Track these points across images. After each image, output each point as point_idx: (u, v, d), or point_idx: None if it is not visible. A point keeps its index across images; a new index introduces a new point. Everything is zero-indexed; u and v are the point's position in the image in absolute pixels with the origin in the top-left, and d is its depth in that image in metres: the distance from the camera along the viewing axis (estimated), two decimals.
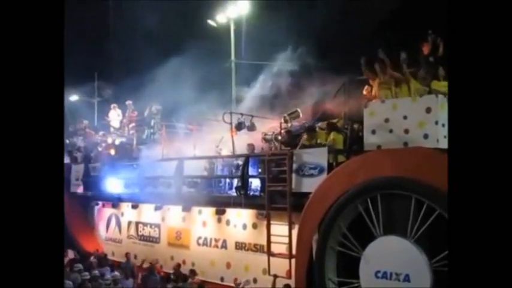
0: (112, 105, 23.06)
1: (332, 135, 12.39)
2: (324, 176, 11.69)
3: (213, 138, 18.78)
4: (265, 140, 15.67)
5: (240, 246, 15.10)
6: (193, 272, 15.03)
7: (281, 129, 14.95)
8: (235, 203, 14.59)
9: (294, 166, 12.35)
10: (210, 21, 25.61)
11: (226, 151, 17.26)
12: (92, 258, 18.16)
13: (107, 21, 34.80)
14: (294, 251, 12.04)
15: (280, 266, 12.52)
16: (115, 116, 22.52)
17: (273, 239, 12.73)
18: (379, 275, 10.09)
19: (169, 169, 16.74)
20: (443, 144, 9.81)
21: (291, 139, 13.90)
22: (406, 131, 10.73)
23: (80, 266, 15.94)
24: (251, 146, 15.99)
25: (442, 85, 10.49)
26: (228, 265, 15.35)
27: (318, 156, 12.02)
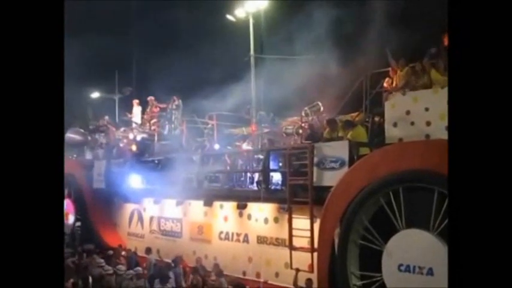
0: (134, 101, 23.16)
1: (350, 134, 12.31)
2: (345, 169, 11.64)
3: (234, 133, 18.85)
4: (286, 133, 15.67)
5: (261, 240, 15.11)
6: (217, 267, 15.10)
7: (302, 122, 14.94)
8: (257, 197, 14.62)
9: (315, 160, 12.32)
10: (229, 16, 25.59)
11: (246, 145, 17.30)
12: (117, 253, 18.38)
13: (128, 17, 35.05)
14: (316, 245, 12.03)
15: (303, 259, 12.52)
16: (138, 112, 22.63)
17: (294, 232, 12.74)
18: (402, 268, 10.03)
19: None
20: None
21: (313, 133, 13.88)
22: (428, 123, 10.66)
23: (102, 261, 16.10)
24: (272, 140, 16.01)
25: None
26: (250, 259, 15.37)
27: (339, 150, 11.97)
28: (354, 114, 13.41)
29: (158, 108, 21.51)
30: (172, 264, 15.44)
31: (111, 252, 18.20)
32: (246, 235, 15.70)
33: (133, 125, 22.17)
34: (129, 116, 22.73)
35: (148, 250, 18.12)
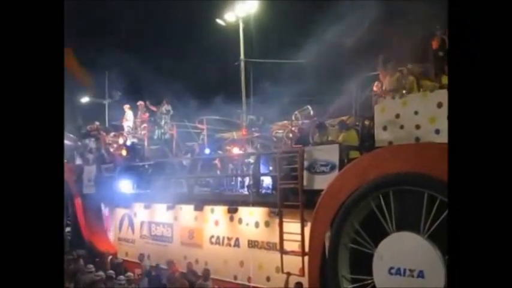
0: (125, 106, 23.08)
1: (342, 136, 12.37)
2: (336, 173, 11.67)
3: (224, 137, 18.85)
4: (276, 138, 15.70)
5: (252, 244, 15.09)
6: (207, 272, 15.08)
7: (292, 126, 14.97)
8: (247, 202, 14.62)
9: (306, 163, 12.33)
10: (219, 20, 25.63)
11: (237, 150, 17.31)
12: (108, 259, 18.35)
13: (118, 21, 34.94)
14: (306, 249, 12.04)
15: (294, 263, 12.51)
16: (130, 116, 22.55)
17: (285, 236, 12.73)
18: (393, 271, 10.05)
19: None
20: None
21: (303, 137, 13.90)
22: (418, 127, 10.72)
23: (91, 266, 16.06)
24: (263, 145, 16.04)
25: None
26: (241, 263, 15.34)
27: (329, 153, 11.99)
28: (345, 118, 13.46)
29: (148, 114, 21.46)
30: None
31: (120, 260, 18.16)
32: (237, 239, 15.68)
33: (126, 129, 22.08)
34: (125, 120, 22.59)
35: (141, 256, 18.14)
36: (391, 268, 10.08)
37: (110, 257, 18.86)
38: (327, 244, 11.33)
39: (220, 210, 16.14)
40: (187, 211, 17.37)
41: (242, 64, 25.36)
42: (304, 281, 12.20)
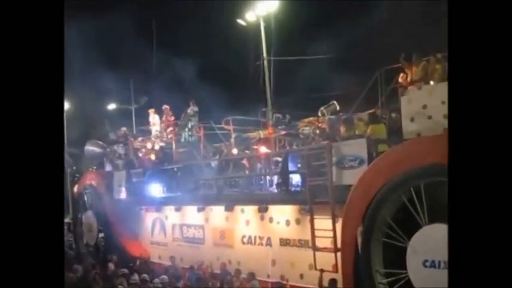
0: (150, 110, 23.22)
1: (370, 129, 12.27)
2: (365, 167, 11.60)
3: (251, 137, 18.89)
4: (303, 135, 15.65)
5: (284, 242, 15.06)
6: (239, 272, 15.12)
7: (318, 123, 14.91)
8: (277, 200, 14.61)
9: (334, 159, 12.28)
10: (240, 20, 25.65)
11: (264, 148, 17.31)
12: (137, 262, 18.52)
13: (144, 27, 35.14)
14: (339, 245, 11.99)
15: (326, 260, 12.47)
16: (156, 120, 22.66)
17: (317, 233, 12.70)
18: (427, 264, 9.96)
19: None
20: None
21: (330, 132, 13.84)
22: (445, 116, 10.55)
23: (125, 270, 16.21)
24: (291, 142, 16.03)
25: None
26: (274, 262, 15.33)
27: (357, 148, 11.93)
28: (371, 111, 13.37)
29: (173, 117, 21.54)
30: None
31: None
32: (268, 238, 15.67)
33: (154, 133, 22.20)
34: (152, 125, 22.71)
35: (173, 258, 18.30)
36: (425, 261, 9.99)
37: (143, 261, 19.02)
38: (359, 239, 11.27)
39: (251, 210, 16.15)
40: (217, 212, 17.44)
41: (265, 63, 25.32)
42: (338, 277, 12.15)
